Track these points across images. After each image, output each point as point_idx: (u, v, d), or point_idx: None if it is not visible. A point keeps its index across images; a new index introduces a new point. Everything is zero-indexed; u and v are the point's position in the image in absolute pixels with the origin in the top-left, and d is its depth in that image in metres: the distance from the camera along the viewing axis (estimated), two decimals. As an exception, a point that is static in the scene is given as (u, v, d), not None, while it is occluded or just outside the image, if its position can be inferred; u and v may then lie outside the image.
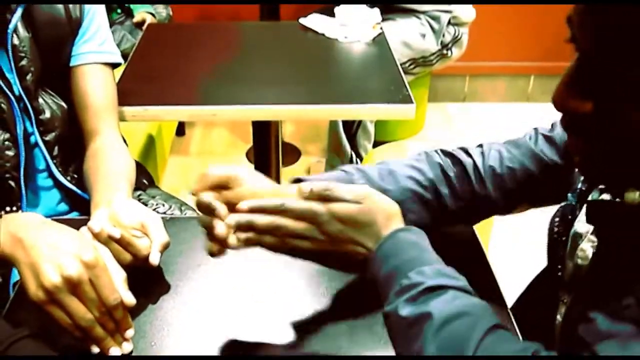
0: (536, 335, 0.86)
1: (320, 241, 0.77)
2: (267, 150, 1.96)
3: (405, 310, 0.69)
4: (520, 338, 0.87)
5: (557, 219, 0.87)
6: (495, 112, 3.36)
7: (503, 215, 1.03)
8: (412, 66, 2.44)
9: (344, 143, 2.46)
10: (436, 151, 0.99)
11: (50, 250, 0.82)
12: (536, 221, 2.34)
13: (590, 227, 0.77)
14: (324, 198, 0.76)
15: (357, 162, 2.44)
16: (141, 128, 2.06)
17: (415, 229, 0.77)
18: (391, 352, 0.75)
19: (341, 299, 0.96)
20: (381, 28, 1.92)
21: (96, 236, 0.92)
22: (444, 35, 2.46)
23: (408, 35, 2.37)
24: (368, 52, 1.83)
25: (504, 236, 2.33)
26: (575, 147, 0.66)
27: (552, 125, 0.97)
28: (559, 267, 0.85)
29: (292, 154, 2.95)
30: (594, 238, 0.77)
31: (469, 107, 3.43)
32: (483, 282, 0.98)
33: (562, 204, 0.87)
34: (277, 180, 1.92)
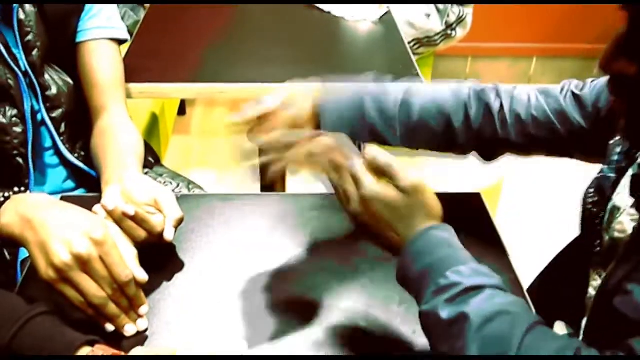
0: (562, 310, 0.87)
1: (358, 210, 0.77)
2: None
3: (446, 312, 0.69)
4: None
5: (591, 191, 0.87)
6: (497, 94, 3.35)
7: (517, 156, 1.05)
8: (416, 46, 2.42)
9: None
10: (469, 87, 1.01)
11: (60, 229, 0.81)
12: (544, 190, 2.35)
13: (630, 201, 0.77)
14: (382, 172, 0.76)
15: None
16: (145, 106, 2.05)
17: (446, 226, 0.76)
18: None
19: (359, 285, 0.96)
20: (388, 7, 1.90)
21: (110, 214, 0.91)
22: (448, 16, 2.44)
23: (412, 14, 2.35)
24: (375, 30, 1.81)
25: (512, 204, 2.35)
26: (620, 109, 0.70)
27: (584, 84, 0.97)
28: (594, 240, 0.85)
29: (294, 134, 2.92)
30: (633, 212, 0.77)
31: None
32: (491, 250, 0.99)
33: (597, 175, 0.86)
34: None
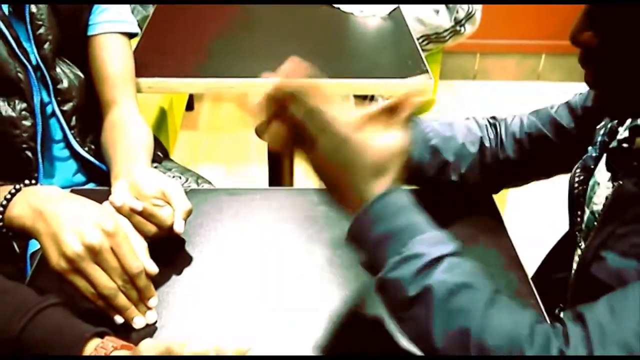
0: (561, 294, 0.88)
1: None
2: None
3: (411, 286, 0.68)
4: (542, 307, 0.89)
5: (578, 170, 0.90)
6: (505, 91, 3.34)
7: (520, 185, 1.07)
8: (425, 42, 2.42)
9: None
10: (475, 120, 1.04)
11: (71, 220, 0.82)
12: (552, 191, 2.35)
13: (608, 175, 0.81)
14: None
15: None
16: (154, 101, 2.05)
17: (404, 190, 0.74)
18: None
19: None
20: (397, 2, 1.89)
21: (118, 210, 0.92)
22: (457, 12, 2.43)
23: (421, 11, 2.34)
24: (384, 26, 1.81)
25: (520, 205, 2.35)
26: (589, 80, 0.74)
27: (574, 95, 1.00)
28: (578, 215, 0.87)
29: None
30: (610, 184, 0.80)
31: (479, 85, 3.41)
32: (503, 251, 0.99)
33: (584, 156, 0.89)
34: (291, 155, 1.91)
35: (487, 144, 1.01)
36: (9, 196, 0.88)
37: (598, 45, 0.70)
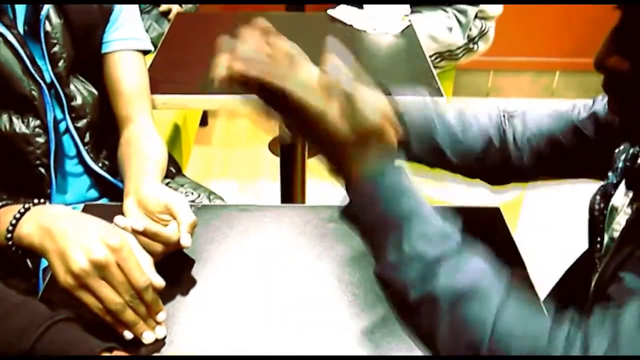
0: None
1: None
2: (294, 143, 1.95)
3: (413, 291, 0.65)
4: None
5: (598, 197, 0.87)
6: (519, 108, 3.34)
7: (528, 182, 1.05)
8: (438, 60, 2.42)
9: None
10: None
11: (78, 237, 0.83)
12: (565, 205, 2.32)
13: (627, 200, 0.79)
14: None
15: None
16: (167, 117, 2.07)
17: (404, 169, 0.70)
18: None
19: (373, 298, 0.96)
20: (409, 20, 1.90)
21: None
22: (470, 29, 2.44)
23: (435, 28, 2.35)
24: (397, 44, 1.82)
25: (532, 219, 2.33)
26: (614, 106, 0.71)
27: (593, 100, 0.96)
28: (598, 242, 0.86)
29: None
30: (629, 210, 0.78)
31: (493, 102, 3.41)
32: (509, 263, 0.98)
33: (604, 182, 0.87)
34: (302, 172, 1.92)
35: (496, 143, 0.98)
36: (18, 215, 0.90)
37: (626, 71, 0.66)
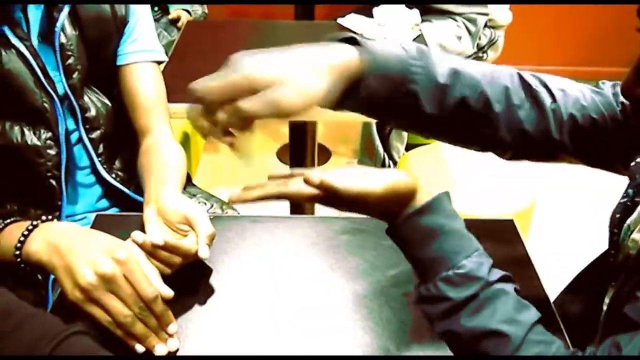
0: (581, 327, 0.86)
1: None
2: (303, 151, 1.96)
3: (436, 325, 0.74)
4: (564, 332, 0.89)
5: (617, 215, 0.85)
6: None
7: (546, 162, 0.94)
8: (447, 68, 2.42)
9: (377, 145, 2.44)
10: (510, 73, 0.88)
11: (84, 252, 0.84)
12: (578, 213, 2.31)
13: None
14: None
15: (389, 165, 2.43)
16: (177, 126, 2.07)
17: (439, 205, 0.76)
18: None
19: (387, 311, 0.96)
20: (420, 29, 1.90)
21: (141, 247, 0.92)
22: (480, 38, 2.44)
23: (444, 37, 2.35)
24: (407, 53, 1.81)
25: (544, 227, 2.33)
26: None
27: (613, 85, 0.92)
28: (613, 255, 0.85)
29: (323, 154, 2.94)
30: None
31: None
32: (524, 277, 0.98)
33: (623, 200, 0.85)
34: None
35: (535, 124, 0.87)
36: (26, 232, 0.91)
37: None
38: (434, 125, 0.85)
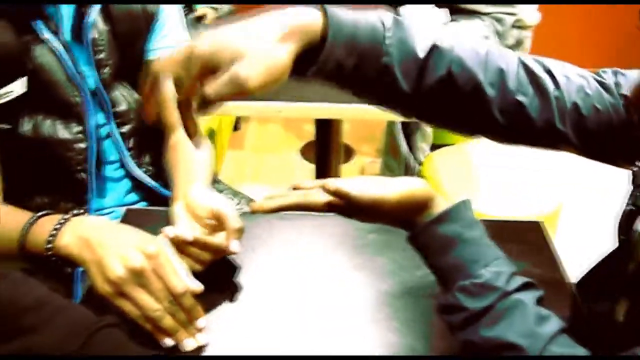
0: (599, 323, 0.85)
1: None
2: (328, 148, 1.96)
3: (455, 331, 0.75)
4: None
5: (624, 222, 0.83)
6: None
7: (547, 149, 0.90)
8: (473, 69, 2.41)
9: (402, 144, 2.43)
10: (521, 60, 0.84)
11: (115, 246, 0.86)
12: (604, 216, 2.27)
13: None
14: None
15: (414, 165, 2.42)
16: (203, 122, 2.08)
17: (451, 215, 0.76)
18: None
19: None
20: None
21: (173, 241, 0.93)
22: (507, 38, 2.42)
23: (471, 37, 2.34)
24: (434, 53, 1.81)
25: (570, 232, 2.31)
26: None
27: (614, 72, 0.88)
28: (622, 266, 0.83)
29: (347, 153, 2.94)
30: None
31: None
32: (552, 279, 0.98)
33: (627, 207, 0.82)
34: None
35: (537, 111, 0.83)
36: (58, 226, 0.92)
37: None
38: (414, 104, 0.81)
